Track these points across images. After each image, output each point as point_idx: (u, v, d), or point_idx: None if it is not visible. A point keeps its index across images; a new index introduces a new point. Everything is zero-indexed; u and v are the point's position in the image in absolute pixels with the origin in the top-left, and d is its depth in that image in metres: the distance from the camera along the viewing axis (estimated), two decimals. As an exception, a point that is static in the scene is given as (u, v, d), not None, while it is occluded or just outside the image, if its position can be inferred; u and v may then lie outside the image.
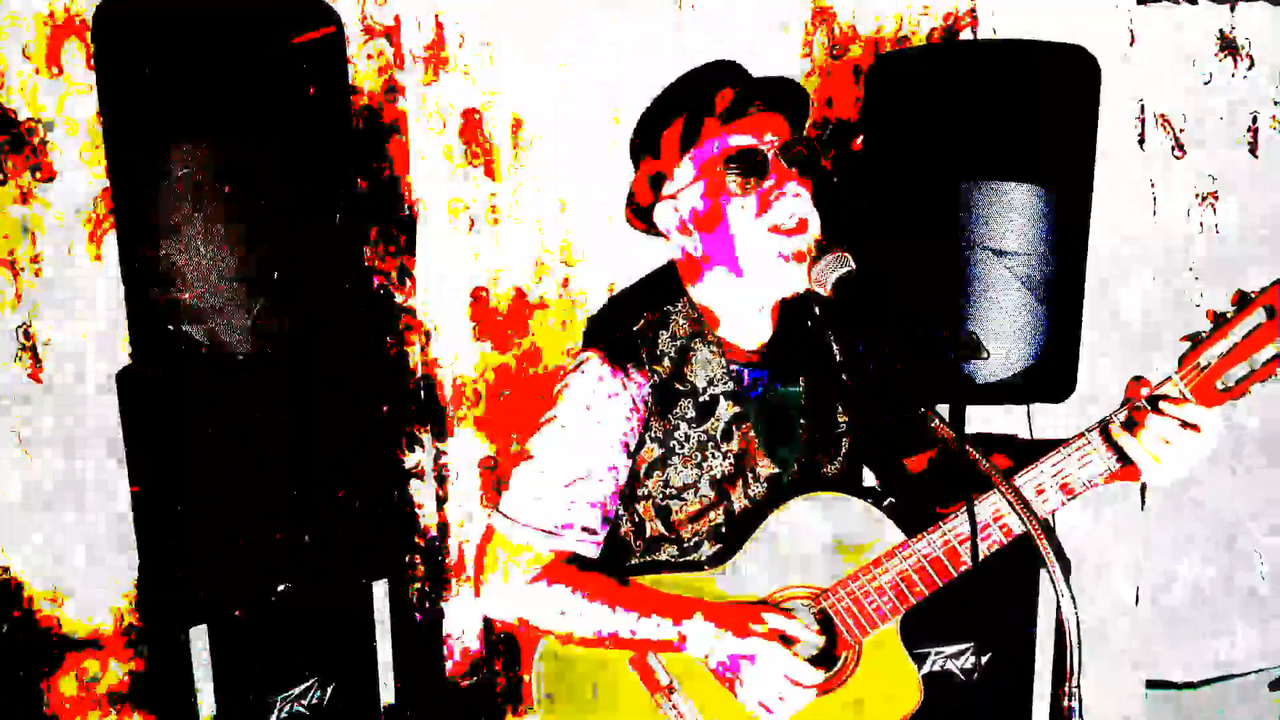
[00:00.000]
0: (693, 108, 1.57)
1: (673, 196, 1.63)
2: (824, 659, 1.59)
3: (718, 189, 1.56)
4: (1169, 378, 1.50)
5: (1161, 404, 1.47)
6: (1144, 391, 1.50)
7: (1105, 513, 3.16)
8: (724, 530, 1.64)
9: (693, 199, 1.60)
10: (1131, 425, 1.49)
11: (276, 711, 2.25)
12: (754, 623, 1.53)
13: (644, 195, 1.67)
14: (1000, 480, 1.34)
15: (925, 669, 2.34)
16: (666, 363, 1.62)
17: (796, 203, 1.55)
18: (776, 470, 1.66)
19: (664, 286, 1.70)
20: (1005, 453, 1.66)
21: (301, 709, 2.29)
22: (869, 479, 1.88)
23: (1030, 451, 1.59)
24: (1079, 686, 1.25)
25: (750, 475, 1.65)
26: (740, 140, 1.55)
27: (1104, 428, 1.52)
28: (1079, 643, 1.24)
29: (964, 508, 1.54)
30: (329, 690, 2.34)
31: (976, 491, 1.56)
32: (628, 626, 1.55)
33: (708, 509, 1.64)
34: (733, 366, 1.66)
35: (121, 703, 2.69)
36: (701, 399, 1.63)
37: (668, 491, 1.63)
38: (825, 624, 1.61)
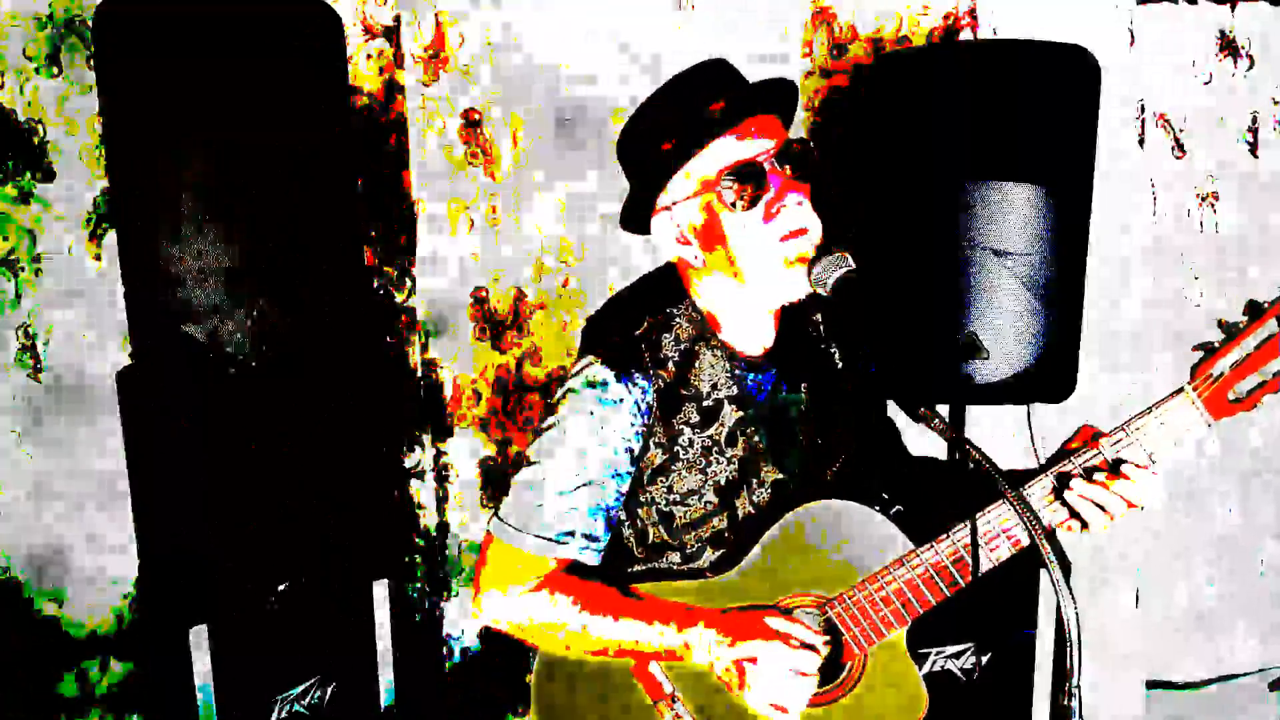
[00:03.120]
0: (687, 123, 1.52)
1: (668, 209, 1.59)
2: (830, 668, 1.58)
3: (716, 202, 1.53)
4: (1181, 389, 1.51)
5: (1123, 468, 1.51)
6: (1156, 408, 1.52)
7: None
8: (727, 536, 1.63)
9: (690, 213, 1.56)
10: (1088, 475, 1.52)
11: (276, 711, 2.25)
12: (756, 626, 1.52)
13: (639, 208, 1.62)
14: (1000, 479, 1.34)
15: (925, 669, 2.34)
16: (670, 367, 1.60)
17: (799, 211, 1.52)
18: (781, 476, 1.65)
19: (665, 288, 1.67)
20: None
21: (301, 709, 2.29)
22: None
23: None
24: (1079, 686, 1.25)
25: (754, 481, 1.63)
26: (738, 152, 1.51)
27: (1059, 476, 1.54)
28: (1079, 643, 1.24)
29: (976, 513, 1.53)
30: (329, 690, 2.34)
31: (984, 499, 1.55)
32: (631, 635, 1.54)
33: (711, 515, 1.62)
34: (736, 371, 1.64)
35: (121, 703, 2.69)
36: (705, 404, 1.61)
37: (671, 498, 1.62)
38: (831, 633, 1.59)
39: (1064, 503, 1.54)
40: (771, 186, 1.51)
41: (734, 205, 1.51)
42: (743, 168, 1.51)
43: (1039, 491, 1.55)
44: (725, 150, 1.52)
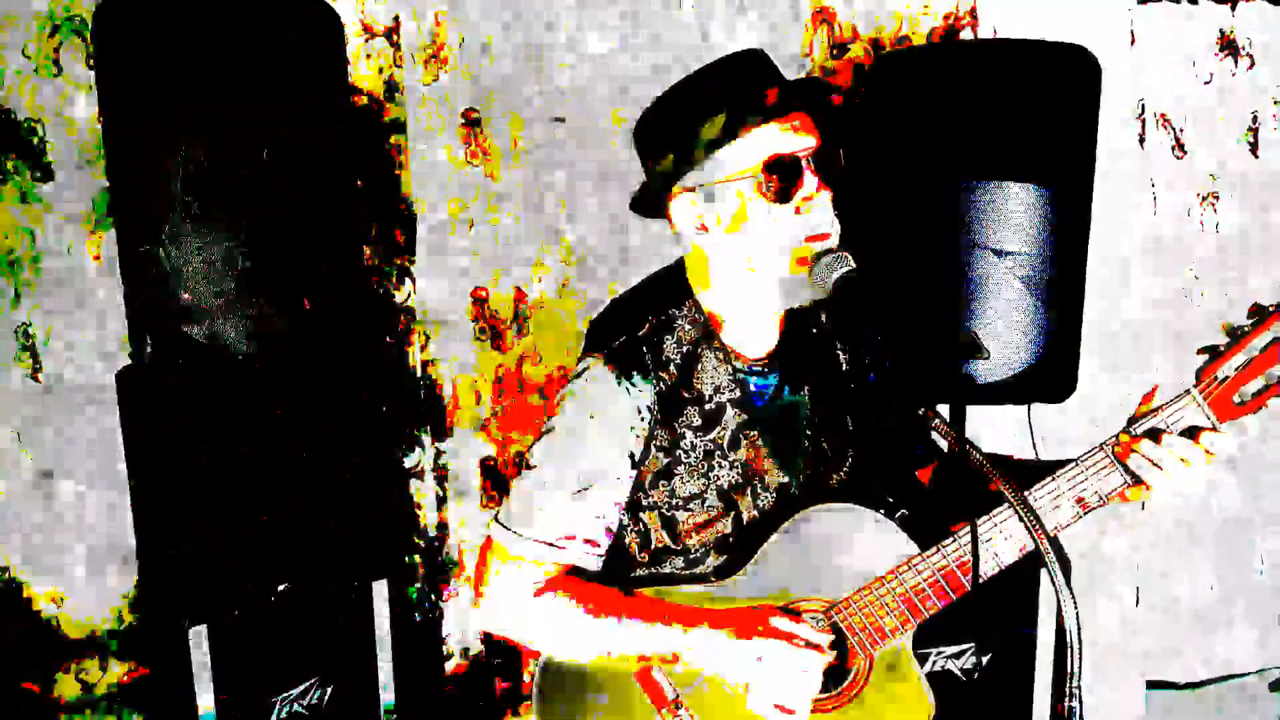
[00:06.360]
0: (737, 104, 1.49)
1: (691, 190, 1.55)
2: (835, 672, 1.58)
3: (748, 192, 1.51)
4: (1187, 391, 1.50)
5: (1188, 429, 1.49)
6: (1162, 411, 1.50)
7: (1105, 512, 3.15)
8: (731, 541, 1.62)
9: (718, 199, 1.54)
10: (1153, 437, 1.49)
11: (276, 712, 2.25)
12: (760, 625, 1.51)
13: (660, 188, 1.59)
14: (1000, 479, 1.34)
15: (926, 668, 2.33)
16: (672, 369, 1.59)
17: (825, 214, 1.52)
18: (785, 480, 1.64)
19: (670, 288, 1.65)
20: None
21: (301, 709, 2.29)
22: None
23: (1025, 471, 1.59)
24: (1079, 686, 1.25)
25: (758, 485, 1.62)
26: (782, 144, 1.49)
27: (1118, 443, 1.52)
28: (1079, 642, 1.23)
29: (983, 518, 1.53)
30: (329, 691, 2.33)
31: (988, 505, 1.54)
32: (633, 639, 1.53)
33: (715, 519, 1.61)
34: (739, 374, 1.63)
35: (121, 703, 2.69)
36: (707, 406, 1.60)
37: (674, 502, 1.60)
38: (836, 637, 1.59)
39: (1124, 467, 1.51)
40: (804, 184, 1.50)
41: (768, 197, 1.50)
42: (784, 160, 1.49)
43: (1099, 459, 1.53)
44: (768, 140, 1.50)
